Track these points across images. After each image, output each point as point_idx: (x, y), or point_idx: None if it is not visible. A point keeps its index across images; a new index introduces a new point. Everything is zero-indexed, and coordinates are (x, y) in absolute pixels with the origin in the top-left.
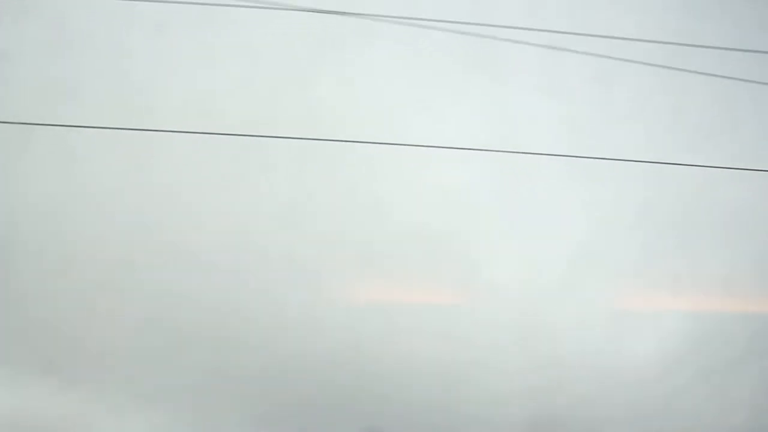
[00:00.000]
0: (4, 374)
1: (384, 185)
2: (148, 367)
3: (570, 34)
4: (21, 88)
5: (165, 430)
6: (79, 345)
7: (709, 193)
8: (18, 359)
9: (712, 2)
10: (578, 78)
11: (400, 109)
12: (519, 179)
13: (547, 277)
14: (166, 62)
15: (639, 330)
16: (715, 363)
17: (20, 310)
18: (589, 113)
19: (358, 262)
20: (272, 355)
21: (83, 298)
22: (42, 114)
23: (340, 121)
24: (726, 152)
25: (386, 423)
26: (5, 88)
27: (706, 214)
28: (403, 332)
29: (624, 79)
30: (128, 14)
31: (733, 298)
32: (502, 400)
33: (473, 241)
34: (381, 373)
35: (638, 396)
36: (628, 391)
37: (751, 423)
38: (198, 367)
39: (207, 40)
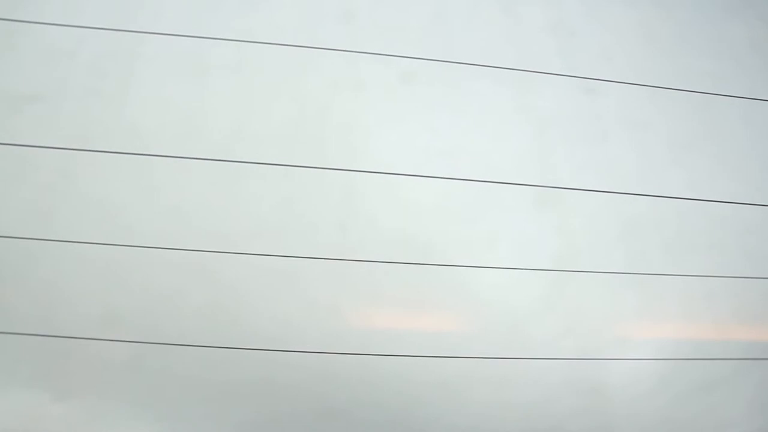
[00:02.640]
0: None
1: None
2: (142, 378)
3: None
4: (55, 130)
5: None
6: (70, 355)
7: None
8: (7, 369)
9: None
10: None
11: (434, 145)
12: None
13: (536, 291)
14: (204, 105)
15: (626, 347)
16: (706, 379)
17: (11, 318)
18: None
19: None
20: (266, 368)
21: (77, 307)
22: (76, 157)
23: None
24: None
25: None
26: (40, 129)
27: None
28: (393, 345)
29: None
30: (166, 58)
31: (721, 314)
32: (494, 413)
33: (464, 259)
34: (375, 387)
35: (628, 411)
36: (619, 405)
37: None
38: (193, 378)
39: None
